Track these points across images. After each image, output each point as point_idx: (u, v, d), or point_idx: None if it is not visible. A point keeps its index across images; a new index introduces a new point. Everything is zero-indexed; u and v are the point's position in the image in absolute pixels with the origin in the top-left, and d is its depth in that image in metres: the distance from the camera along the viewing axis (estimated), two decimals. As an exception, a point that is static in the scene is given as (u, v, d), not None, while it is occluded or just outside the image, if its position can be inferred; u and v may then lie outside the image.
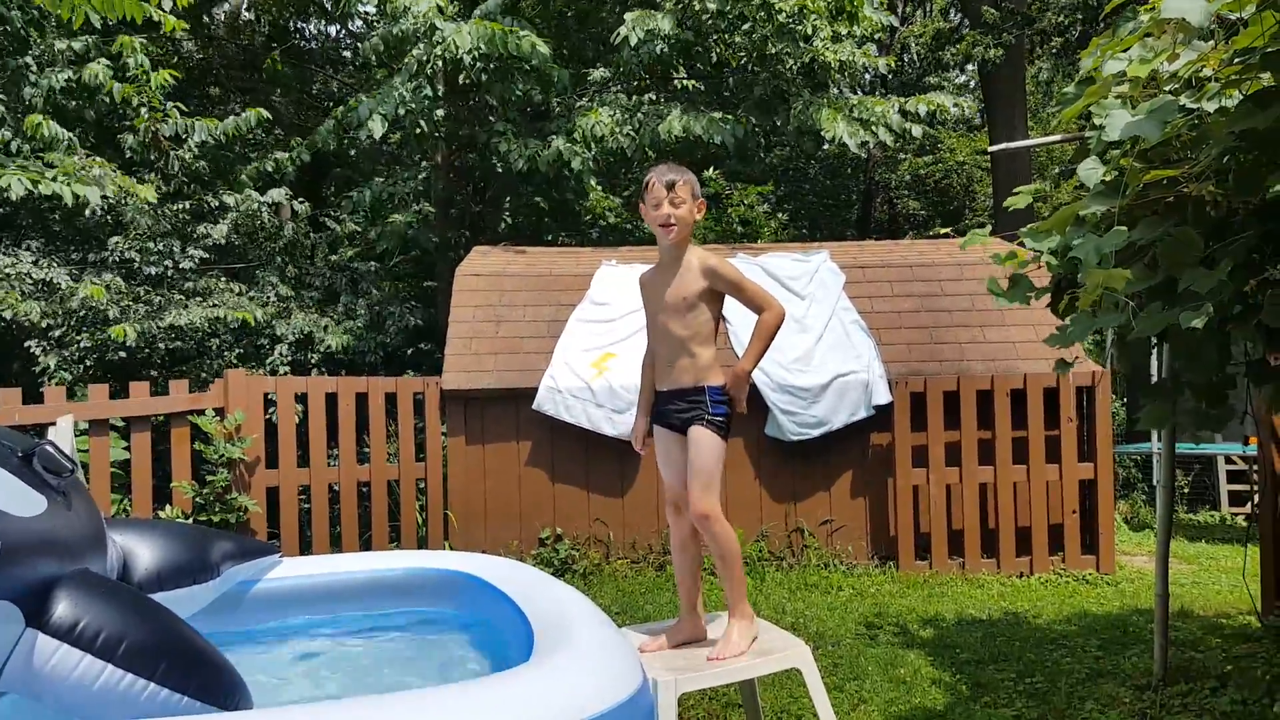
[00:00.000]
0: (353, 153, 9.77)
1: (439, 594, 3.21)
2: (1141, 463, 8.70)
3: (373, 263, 8.47)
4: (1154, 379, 6.04)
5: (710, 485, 2.81)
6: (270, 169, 7.96)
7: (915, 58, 14.90)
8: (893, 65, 9.67)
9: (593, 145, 7.63)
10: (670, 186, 2.88)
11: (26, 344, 6.14)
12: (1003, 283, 3.71)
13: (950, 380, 5.66)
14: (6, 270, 6.16)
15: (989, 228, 3.42)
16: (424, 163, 9.07)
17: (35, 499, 1.84)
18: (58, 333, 6.19)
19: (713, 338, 2.90)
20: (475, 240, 8.24)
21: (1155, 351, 4.35)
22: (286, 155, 7.80)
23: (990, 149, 4.07)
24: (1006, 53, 10.87)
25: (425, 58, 7.23)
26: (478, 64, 7.24)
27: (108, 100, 7.16)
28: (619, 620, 4.61)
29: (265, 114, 7.60)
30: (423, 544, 5.90)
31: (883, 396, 5.68)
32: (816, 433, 5.67)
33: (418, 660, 3.00)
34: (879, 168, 15.46)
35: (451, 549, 5.62)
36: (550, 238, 9.80)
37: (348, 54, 12.57)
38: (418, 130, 7.72)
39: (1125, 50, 2.61)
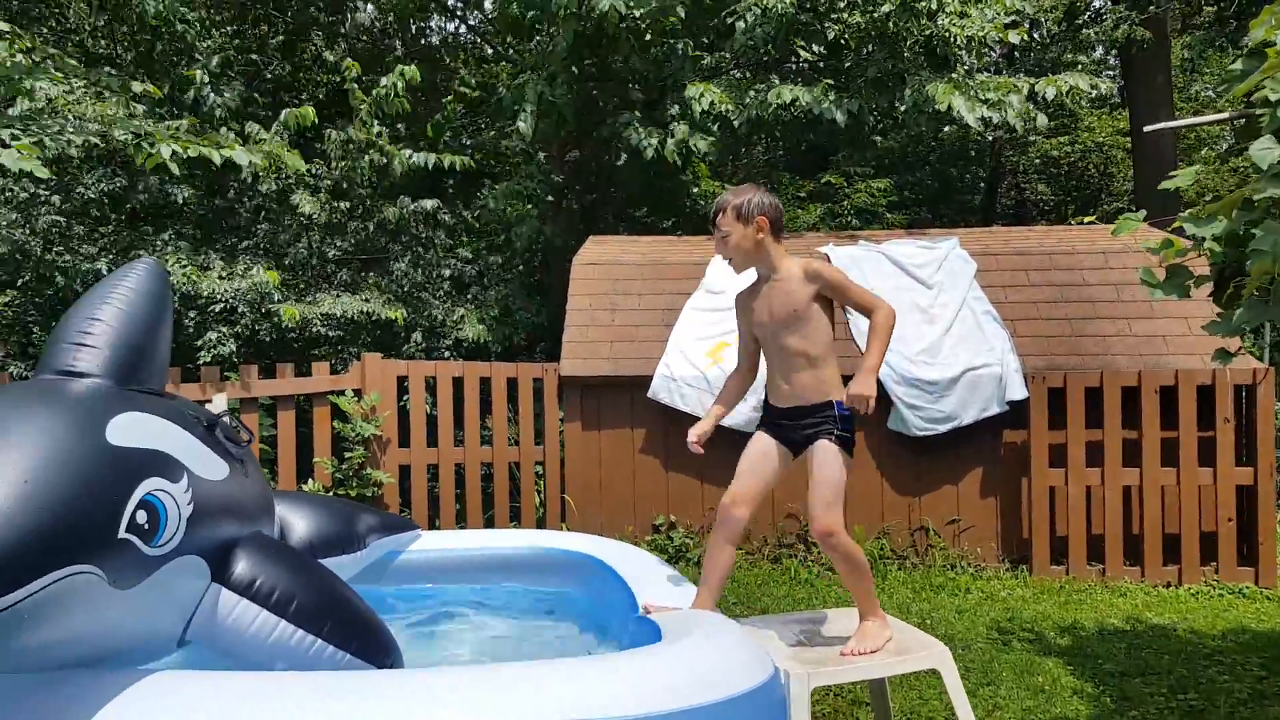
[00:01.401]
0: (476, 154, 9.99)
1: (564, 573, 3.30)
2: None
3: (497, 257, 8.65)
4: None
5: (835, 503, 2.72)
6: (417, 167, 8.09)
7: (1046, 34, 14.13)
8: (1024, 38, 9.10)
9: (708, 123, 7.54)
10: (714, 221, 2.87)
11: (185, 322, 6.53)
12: (1158, 272, 3.49)
13: (1093, 376, 5.37)
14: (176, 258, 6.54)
15: (1142, 213, 3.20)
16: (541, 155, 9.21)
17: (219, 465, 1.98)
18: (218, 307, 6.54)
19: (832, 350, 2.82)
20: (589, 231, 8.31)
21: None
22: (437, 157, 7.82)
23: (1148, 128, 3.81)
24: (1150, 26, 10.16)
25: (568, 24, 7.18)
26: (630, 12, 7.12)
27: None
28: (736, 611, 4.59)
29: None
30: (541, 525, 6.01)
31: (1018, 391, 5.44)
32: (944, 428, 5.48)
33: (539, 633, 3.07)
34: (1006, 151, 14.78)
35: (568, 531, 5.72)
36: (665, 227, 9.80)
37: (471, 47, 12.85)
38: (558, 121, 7.73)
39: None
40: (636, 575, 2.89)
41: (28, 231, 6.76)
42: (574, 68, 7.66)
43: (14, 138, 4.02)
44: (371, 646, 2.04)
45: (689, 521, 5.77)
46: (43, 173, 3.72)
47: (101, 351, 1.87)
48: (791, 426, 2.83)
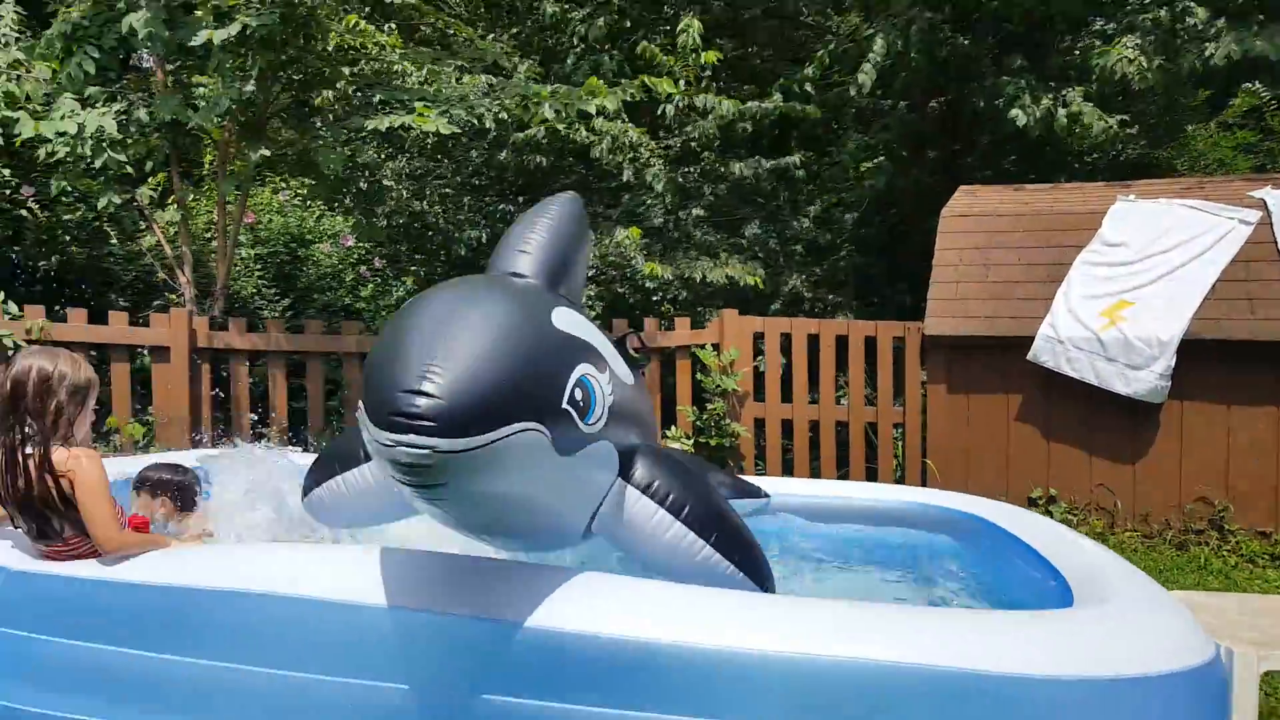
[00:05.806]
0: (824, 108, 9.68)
1: (954, 533, 3.14)
2: None
3: (851, 214, 8.42)
4: None
5: None
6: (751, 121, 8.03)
7: None
8: None
9: (1112, 91, 6.59)
10: None
11: None
12: None
13: None
14: None
15: None
16: (901, 104, 8.74)
17: (631, 373, 2.19)
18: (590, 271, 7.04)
19: None
20: (954, 183, 7.76)
21: None
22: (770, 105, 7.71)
23: None
24: None
25: None
26: None
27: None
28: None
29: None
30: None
31: None
32: None
33: (928, 588, 2.93)
34: None
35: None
36: (1032, 178, 8.88)
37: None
38: (904, 74, 7.31)
39: None
40: (1036, 538, 2.68)
41: (427, 204, 7.77)
42: (928, 12, 7.08)
43: (425, 107, 4.54)
44: (753, 564, 2.11)
45: (1072, 496, 5.22)
46: (447, 129, 4.15)
47: (536, 258, 2.15)
48: None
